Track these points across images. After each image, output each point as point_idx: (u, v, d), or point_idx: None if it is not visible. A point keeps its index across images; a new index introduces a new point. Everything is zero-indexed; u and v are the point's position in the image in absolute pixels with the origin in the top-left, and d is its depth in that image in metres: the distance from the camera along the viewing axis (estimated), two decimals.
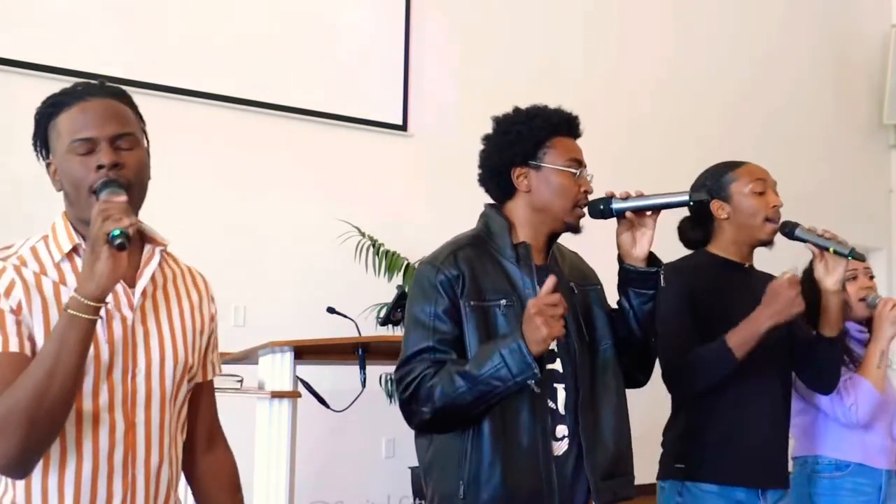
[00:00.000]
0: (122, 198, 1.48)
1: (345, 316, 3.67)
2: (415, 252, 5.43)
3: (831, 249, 2.32)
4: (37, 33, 4.91)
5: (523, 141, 2.00)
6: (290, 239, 5.60)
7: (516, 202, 2.03)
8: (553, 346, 1.89)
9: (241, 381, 3.40)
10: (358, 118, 5.94)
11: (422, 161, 6.19)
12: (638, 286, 2.01)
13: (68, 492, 1.50)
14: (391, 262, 5.46)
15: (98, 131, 1.54)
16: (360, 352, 3.19)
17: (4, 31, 4.84)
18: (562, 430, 1.94)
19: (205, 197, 5.33)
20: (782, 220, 2.40)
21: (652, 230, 1.99)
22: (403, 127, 6.15)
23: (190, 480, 1.77)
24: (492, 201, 2.10)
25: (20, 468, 1.45)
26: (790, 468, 2.84)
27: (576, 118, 2.07)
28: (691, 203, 1.98)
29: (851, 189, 8.68)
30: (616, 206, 1.97)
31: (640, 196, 1.98)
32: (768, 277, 2.53)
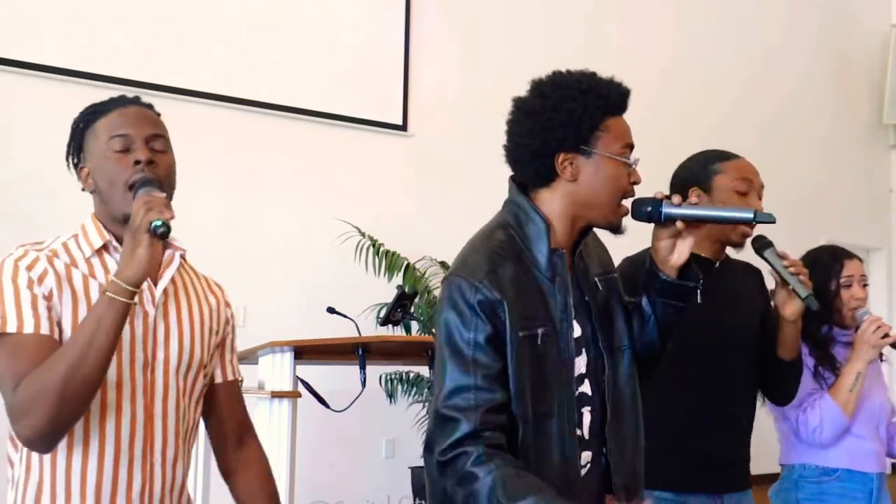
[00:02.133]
0: (163, 194, 1.59)
1: (345, 316, 3.67)
2: (415, 252, 5.43)
3: (790, 287, 2.14)
4: (36, 33, 4.91)
5: (577, 123, 1.70)
6: (290, 239, 5.60)
7: (554, 191, 1.73)
8: (583, 368, 1.73)
9: (241, 381, 3.40)
10: (358, 118, 5.94)
11: (422, 161, 6.19)
12: (669, 297, 1.78)
13: (91, 477, 1.58)
14: (391, 262, 5.46)
15: (135, 130, 1.67)
16: (360, 352, 3.19)
17: (4, 31, 4.84)
18: (586, 456, 1.73)
19: (205, 197, 5.32)
20: (758, 234, 2.23)
21: (693, 238, 1.75)
22: (403, 127, 6.15)
23: (226, 478, 1.84)
24: (512, 181, 1.81)
25: (45, 442, 1.53)
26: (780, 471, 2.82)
27: (627, 92, 1.79)
28: (754, 222, 1.76)
29: (851, 189, 8.68)
30: (667, 210, 1.72)
31: (696, 205, 1.73)
32: (743, 271, 2.44)
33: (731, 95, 7.82)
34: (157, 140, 1.69)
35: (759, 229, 2.21)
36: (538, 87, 1.78)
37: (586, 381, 1.74)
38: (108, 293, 1.51)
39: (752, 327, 2.39)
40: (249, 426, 1.90)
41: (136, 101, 1.75)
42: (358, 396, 3.27)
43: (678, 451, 2.26)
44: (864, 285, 2.79)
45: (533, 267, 1.71)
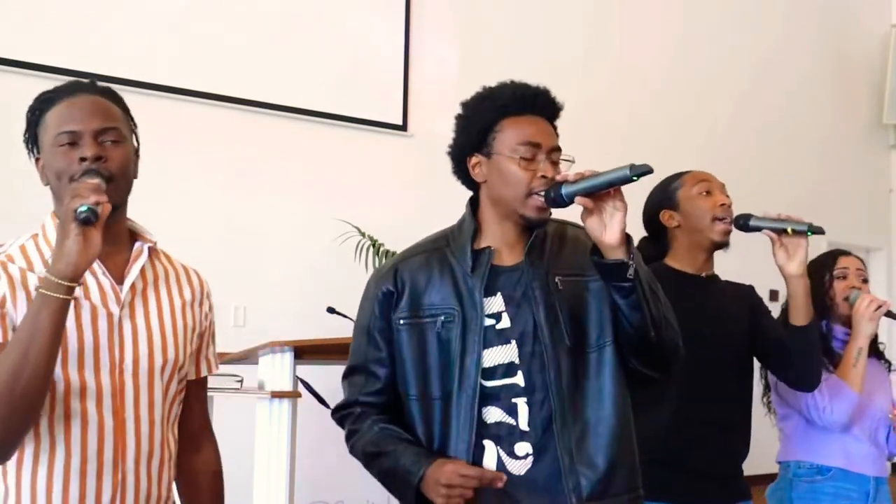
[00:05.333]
0: (95, 180, 1.50)
1: (345, 316, 3.67)
2: None
3: (789, 230, 2.20)
4: (37, 33, 4.91)
5: (471, 127, 1.84)
6: (289, 239, 5.60)
7: (482, 194, 1.87)
8: (514, 358, 1.78)
9: (241, 381, 3.40)
10: (358, 118, 5.94)
11: (422, 161, 6.18)
12: (609, 279, 1.74)
13: (56, 489, 1.51)
14: None
15: (82, 125, 1.57)
16: None
17: (4, 31, 4.84)
18: (524, 447, 1.76)
19: (205, 197, 5.33)
20: (737, 214, 2.31)
21: (622, 211, 1.70)
22: (403, 127, 6.15)
23: (176, 477, 1.76)
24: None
25: (1, 452, 1.46)
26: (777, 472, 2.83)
27: (532, 93, 1.83)
28: (633, 178, 1.69)
29: (851, 189, 8.67)
30: (565, 190, 1.72)
31: (584, 178, 1.71)
32: (730, 286, 2.48)
33: (731, 96, 7.82)
34: (108, 133, 1.59)
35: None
36: (461, 104, 1.92)
37: (519, 372, 1.77)
38: (40, 290, 1.42)
39: (741, 337, 2.39)
40: (208, 424, 1.83)
41: (87, 87, 1.64)
42: None
43: (678, 464, 2.26)
44: (864, 280, 2.81)
45: (455, 260, 1.84)
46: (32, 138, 1.66)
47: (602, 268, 1.73)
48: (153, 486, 1.60)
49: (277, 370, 3.26)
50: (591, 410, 1.78)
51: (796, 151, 8.19)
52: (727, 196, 2.37)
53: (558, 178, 1.75)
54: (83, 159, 1.55)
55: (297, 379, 3.32)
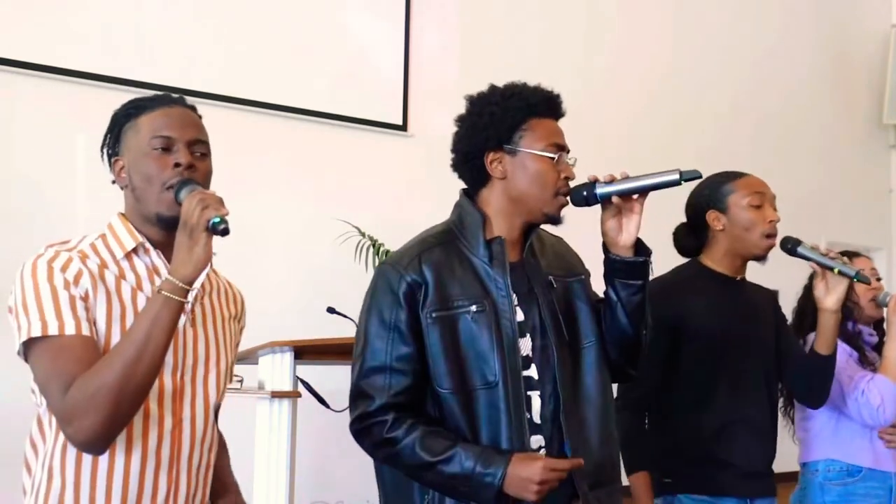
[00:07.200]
0: (211, 190, 1.57)
1: (345, 316, 3.67)
2: None
3: (836, 270, 2.29)
4: (37, 33, 4.91)
5: (497, 123, 1.83)
6: (290, 239, 5.59)
7: (491, 190, 1.86)
8: (528, 351, 1.82)
9: (241, 381, 3.40)
10: (358, 118, 5.94)
11: (422, 161, 6.18)
12: (624, 277, 1.84)
13: (116, 484, 1.55)
14: None
15: (178, 132, 1.66)
16: None
17: (4, 32, 4.84)
18: (536, 440, 1.81)
19: None
20: (784, 235, 2.37)
21: (639, 215, 1.81)
22: (403, 127, 6.15)
23: None
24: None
25: (102, 444, 1.51)
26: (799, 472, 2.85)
27: (556, 97, 1.89)
28: (681, 182, 1.78)
29: (851, 189, 8.67)
30: (600, 190, 1.79)
31: (626, 178, 1.80)
32: (759, 290, 2.53)
33: (729, 95, 7.81)
34: (199, 145, 1.67)
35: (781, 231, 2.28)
36: (470, 99, 1.92)
37: (533, 365, 1.83)
38: (163, 292, 1.49)
39: (770, 339, 2.48)
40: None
41: (181, 101, 1.73)
42: None
43: (711, 458, 2.33)
44: (878, 279, 2.90)
45: (470, 253, 1.84)
46: (115, 139, 1.70)
47: (623, 265, 1.84)
48: (199, 486, 1.66)
49: (277, 370, 3.27)
50: (586, 404, 1.86)
51: (796, 151, 8.19)
52: (776, 211, 2.41)
53: (589, 178, 1.82)
54: (177, 165, 1.61)
55: (297, 379, 3.32)
